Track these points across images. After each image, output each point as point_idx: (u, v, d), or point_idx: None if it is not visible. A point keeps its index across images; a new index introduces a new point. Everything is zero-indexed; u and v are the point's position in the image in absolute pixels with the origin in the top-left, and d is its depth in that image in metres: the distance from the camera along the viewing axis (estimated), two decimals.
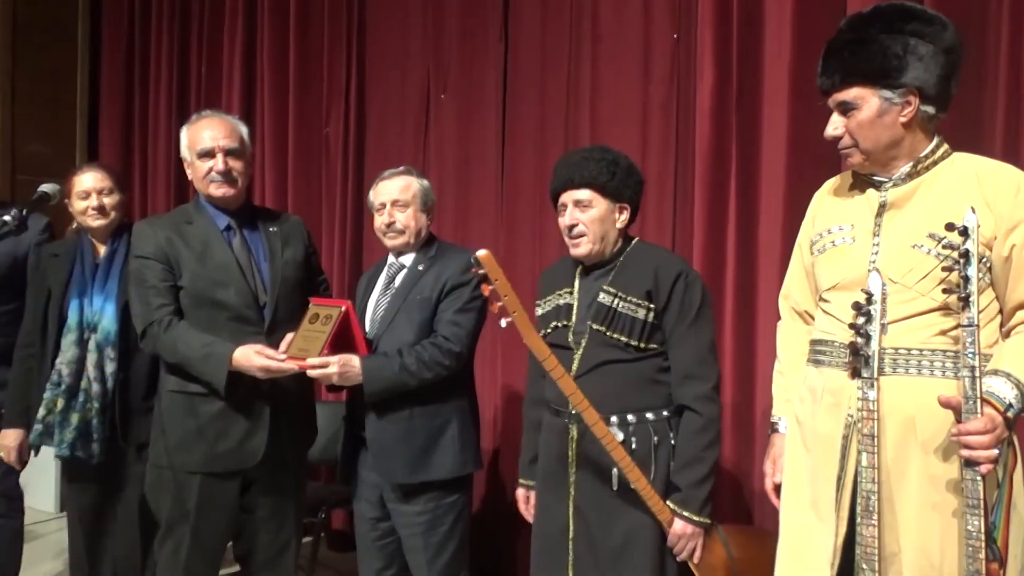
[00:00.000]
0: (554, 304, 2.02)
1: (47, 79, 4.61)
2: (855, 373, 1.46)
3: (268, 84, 3.90)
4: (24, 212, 2.07)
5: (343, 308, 2.12)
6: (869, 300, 1.42)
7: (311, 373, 2.08)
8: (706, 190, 2.72)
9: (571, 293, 2.00)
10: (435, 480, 2.18)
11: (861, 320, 1.43)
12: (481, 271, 1.69)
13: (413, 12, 3.52)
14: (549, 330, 2.00)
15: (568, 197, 1.95)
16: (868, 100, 1.52)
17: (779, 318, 2.51)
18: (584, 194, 1.93)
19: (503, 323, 1.71)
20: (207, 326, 2.15)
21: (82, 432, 2.38)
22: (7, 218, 2.03)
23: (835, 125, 1.58)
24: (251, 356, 2.07)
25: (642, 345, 1.88)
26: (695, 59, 2.77)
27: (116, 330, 2.40)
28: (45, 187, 2.21)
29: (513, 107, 3.24)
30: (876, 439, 1.42)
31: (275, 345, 2.14)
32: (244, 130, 2.29)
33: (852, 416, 1.51)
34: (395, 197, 2.27)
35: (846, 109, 1.55)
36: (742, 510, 2.67)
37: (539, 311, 2.07)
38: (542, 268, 3.14)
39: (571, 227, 1.94)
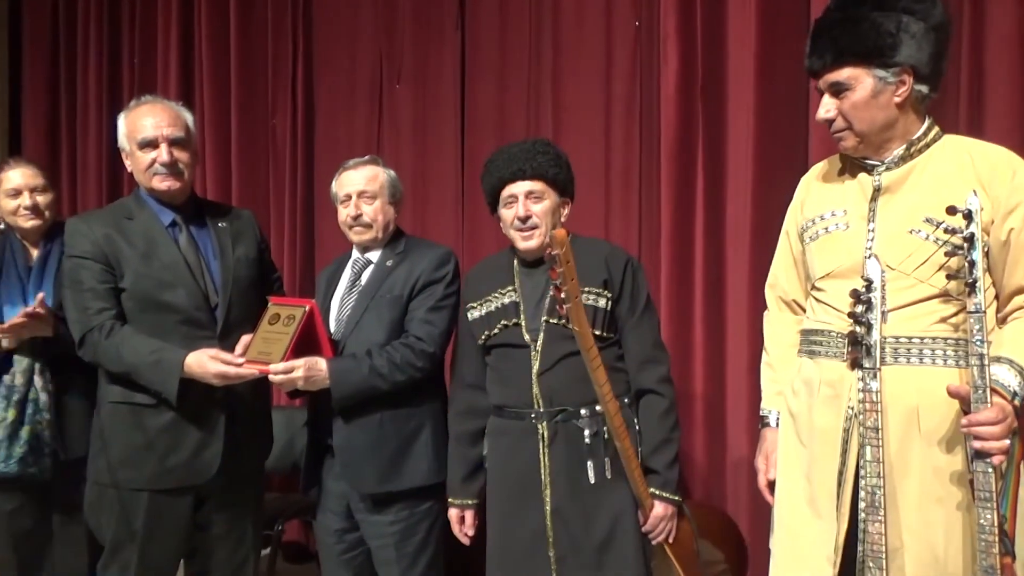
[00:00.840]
0: (497, 304, 1.95)
1: None
2: (855, 364, 1.41)
3: (207, 72, 3.68)
4: None
5: (307, 308, 1.99)
6: (869, 287, 1.38)
7: (274, 379, 1.94)
8: (672, 180, 2.67)
9: (514, 290, 1.94)
10: (408, 488, 2.07)
11: (860, 308, 1.37)
12: (555, 251, 1.57)
13: None
14: (496, 330, 1.92)
15: (519, 188, 1.90)
16: (862, 80, 1.47)
17: (750, 309, 2.54)
18: (536, 186, 1.90)
19: (564, 309, 1.62)
20: (154, 331, 1.98)
21: (33, 447, 2.23)
22: None
23: (827, 107, 1.52)
24: (205, 362, 1.91)
25: (604, 334, 1.85)
26: (658, 45, 2.72)
27: None
28: None
29: (472, 97, 3.14)
30: (880, 432, 1.37)
31: (230, 349, 1.98)
32: (189, 117, 2.12)
33: (853, 408, 1.46)
34: (361, 188, 2.14)
35: (838, 90, 1.49)
36: (716, 504, 2.63)
37: (476, 313, 1.97)
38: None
39: (525, 218, 1.88)
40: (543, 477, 1.86)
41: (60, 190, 4.22)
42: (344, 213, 2.16)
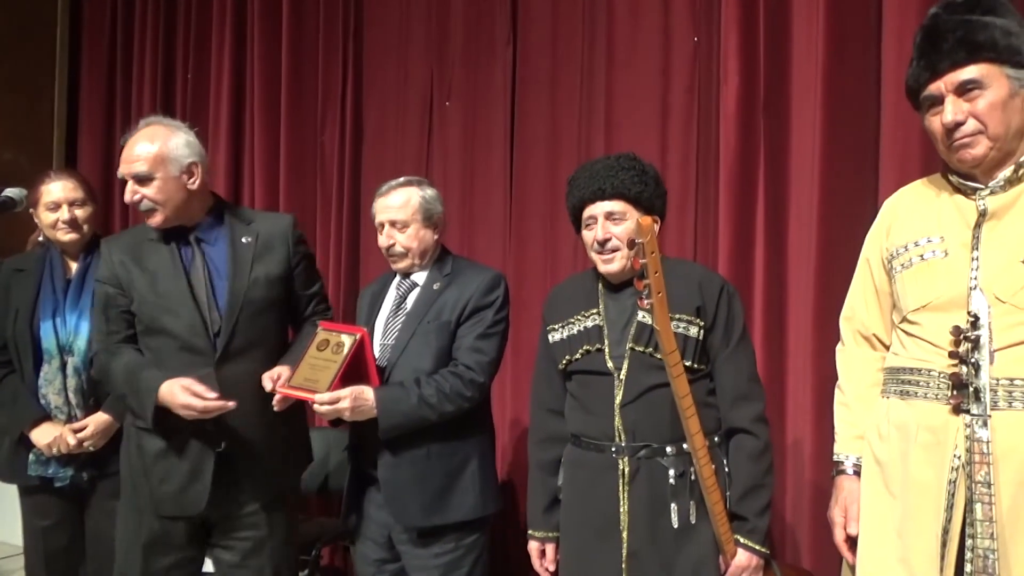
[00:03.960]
0: (579, 327, 1.81)
1: (23, 87, 4.38)
2: (959, 408, 1.26)
3: (259, 89, 3.68)
4: None
5: (358, 336, 1.91)
6: (975, 324, 1.23)
7: (319, 409, 1.86)
8: (731, 202, 2.54)
9: (598, 314, 1.80)
10: (453, 522, 1.98)
11: (966, 347, 1.23)
12: (639, 240, 1.47)
13: (415, 12, 3.33)
14: (579, 355, 1.79)
15: (598, 209, 1.76)
16: (997, 78, 1.34)
17: (815, 341, 2.38)
18: (617, 205, 1.75)
19: (646, 303, 1.51)
20: (157, 356, 1.96)
21: (74, 457, 2.25)
22: None
23: (956, 109, 1.37)
24: (175, 392, 1.85)
25: (695, 366, 1.71)
26: (718, 62, 2.61)
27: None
28: (10, 192, 1.99)
29: (522, 114, 3.06)
30: (991, 487, 1.22)
31: (233, 377, 1.92)
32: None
33: (959, 459, 1.31)
34: (392, 217, 2.06)
35: (969, 89, 1.36)
36: (772, 546, 2.47)
37: (557, 336, 1.86)
38: (555, 283, 2.95)
39: (604, 241, 1.75)
40: (621, 517, 1.72)
41: (113, 205, 4.28)
42: (380, 241, 2.11)
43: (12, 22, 4.33)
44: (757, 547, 1.69)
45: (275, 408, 1.91)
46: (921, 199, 1.51)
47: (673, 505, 1.68)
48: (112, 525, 2.12)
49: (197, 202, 2.02)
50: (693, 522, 1.69)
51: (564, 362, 1.83)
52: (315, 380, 1.88)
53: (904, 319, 1.47)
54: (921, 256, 1.44)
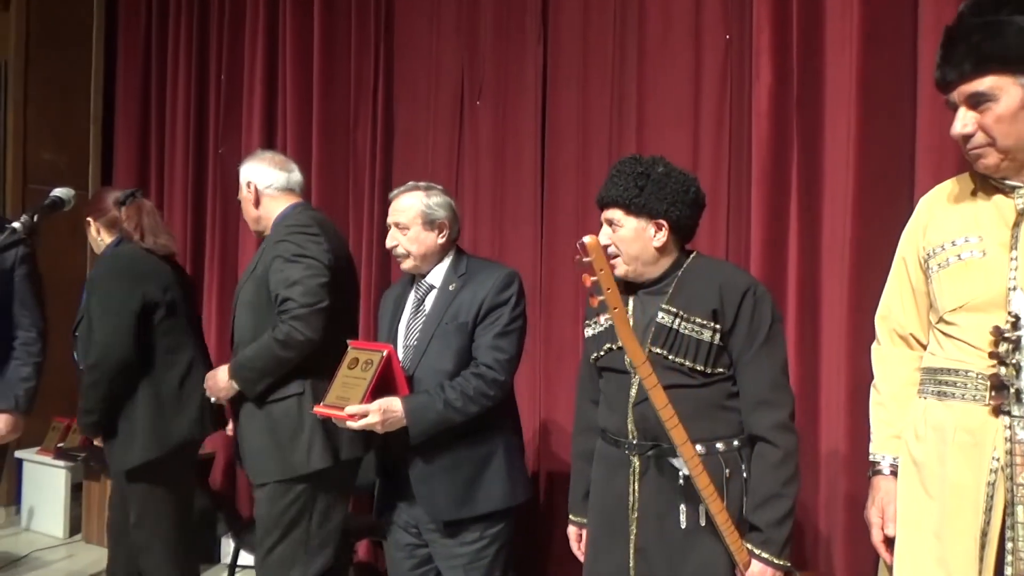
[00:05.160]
0: (606, 325, 1.82)
1: (60, 86, 4.47)
2: (998, 410, 1.25)
3: (291, 87, 3.73)
4: (35, 218, 1.90)
5: (385, 353, 1.99)
6: (1016, 325, 1.22)
7: (351, 424, 1.95)
8: (764, 200, 2.53)
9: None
10: (482, 513, 2.04)
11: (1005, 348, 1.23)
12: (586, 259, 1.49)
13: (445, 11, 3.35)
14: (602, 353, 1.81)
15: (604, 215, 1.79)
16: (1007, 90, 1.32)
17: (849, 340, 2.37)
18: (613, 213, 1.75)
19: (603, 319, 1.53)
20: None
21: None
22: (16, 225, 1.87)
23: (964, 122, 1.37)
24: None
25: (708, 370, 1.69)
26: (750, 60, 2.59)
27: None
28: (59, 192, 2.03)
29: (553, 112, 3.07)
30: None
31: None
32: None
33: (999, 460, 1.30)
34: (396, 219, 2.14)
35: (979, 102, 1.35)
36: (804, 554, 2.46)
37: (589, 332, 1.88)
38: (582, 281, 2.96)
39: (606, 248, 1.75)
40: (631, 514, 1.74)
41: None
42: (386, 242, 2.19)
43: (49, 24, 4.42)
44: (772, 559, 1.63)
45: None
46: (958, 197, 1.49)
47: (682, 506, 1.68)
48: None
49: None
50: (703, 524, 1.67)
51: (593, 358, 1.85)
52: (346, 397, 1.98)
53: (941, 319, 1.46)
54: (959, 256, 1.42)
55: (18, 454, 4.17)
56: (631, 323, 1.75)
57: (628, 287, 1.82)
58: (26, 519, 4.10)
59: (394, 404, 1.97)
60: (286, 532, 2.16)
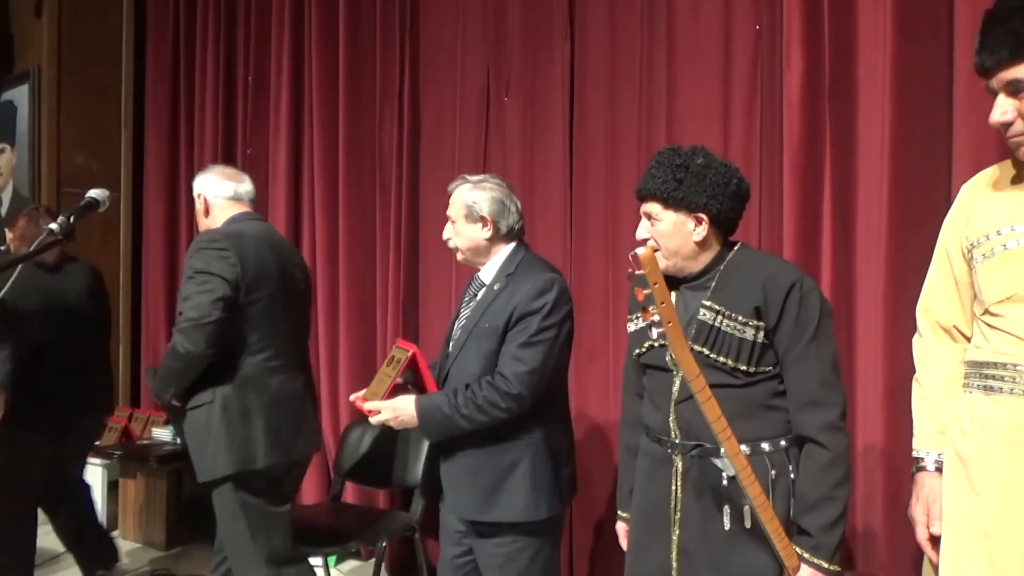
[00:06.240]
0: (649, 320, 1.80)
1: (91, 91, 4.55)
2: None
3: (317, 89, 3.75)
4: (71, 219, 1.92)
5: (410, 353, 2.04)
6: None
7: (372, 419, 2.02)
8: (796, 192, 2.49)
9: None
10: (505, 522, 2.02)
11: None
12: (639, 272, 1.43)
13: (471, 9, 3.33)
14: (644, 349, 1.77)
15: (643, 209, 1.74)
16: None
17: (885, 333, 2.32)
18: (651, 207, 1.70)
19: (654, 333, 1.47)
20: None
21: None
22: (53, 226, 1.89)
23: (1003, 109, 1.33)
24: None
25: (751, 369, 1.63)
26: (781, 50, 2.55)
27: None
28: (93, 193, 2.05)
29: (581, 108, 3.04)
30: None
31: None
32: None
33: None
34: (448, 212, 2.16)
35: (1018, 88, 1.31)
36: (842, 552, 2.41)
37: (631, 327, 1.84)
38: (615, 276, 2.94)
39: (643, 241, 1.72)
40: (673, 514, 1.69)
41: (179, 203, 4.41)
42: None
43: (80, 32, 4.50)
44: (823, 564, 1.58)
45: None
46: (1001, 184, 1.45)
47: (726, 507, 1.63)
48: None
49: None
50: (748, 527, 1.62)
51: (635, 354, 1.81)
52: (375, 392, 2.04)
53: (987, 311, 1.41)
54: (1004, 245, 1.38)
55: None
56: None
57: (670, 281, 1.75)
58: None
59: (406, 403, 2.00)
60: (226, 534, 2.32)
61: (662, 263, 1.70)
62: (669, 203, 1.68)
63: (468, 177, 2.17)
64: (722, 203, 1.68)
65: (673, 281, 1.75)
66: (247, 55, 4.14)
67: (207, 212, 2.42)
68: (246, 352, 2.22)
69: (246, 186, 2.45)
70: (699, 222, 1.68)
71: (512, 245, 2.13)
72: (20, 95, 4.53)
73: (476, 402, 1.94)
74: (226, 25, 4.24)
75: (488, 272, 2.12)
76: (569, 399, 2.29)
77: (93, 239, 4.00)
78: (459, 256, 2.16)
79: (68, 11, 4.44)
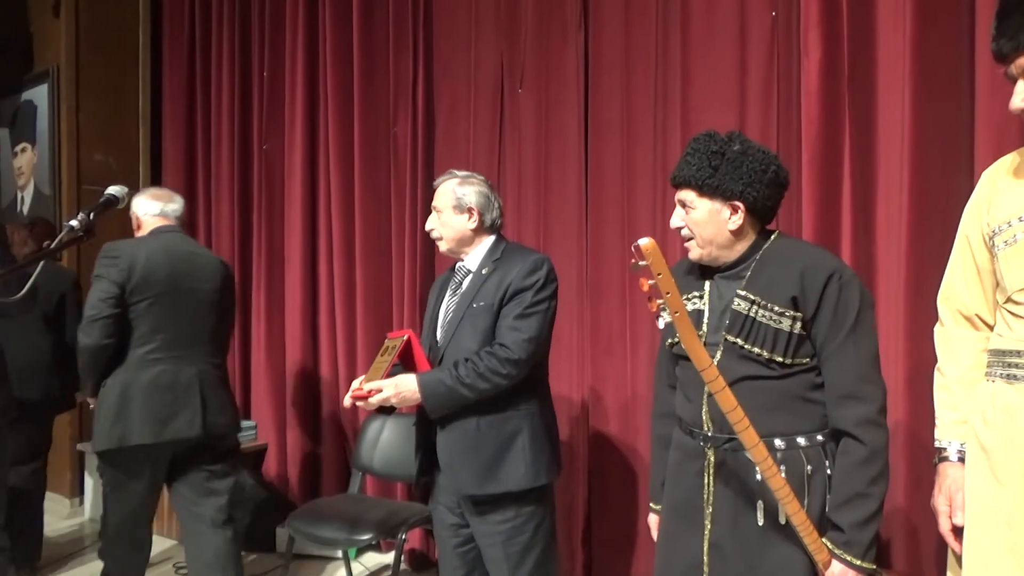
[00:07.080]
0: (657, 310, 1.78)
1: (109, 90, 4.59)
2: None
3: (332, 83, 3.76)
4: (91, 216, 1.94)
5: (405, 337, 2.11)
6: None
7: (371, 400, 2.03)
8: (815, 181, 2.46)
9: (700, 297, 1.72)
10: (507, 492, 2.08)
11: None
12: (643, 262, 1.42)
13: (484, 1, 3.32)
14: (676, 339, 1.72)
15: (678, 196, 1.70)
16: None
17: (906, 322, 2.29)
18: (685, 195, 1.66)
19: (661, 323, 1.46)
20: None
21: None
22: (74, 223, 1.91)
23: (1022, 95, 1.31)
24: None
25: (788, 360, 1.59)
26: (798, 36, 2.52)
27: None
28: (113, 190, 2.08)
29: (596, 98, 3.02)
30: None
31: None
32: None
33: None
34: (433, 203, 2.25)
35: None
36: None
37: (666, 317, 1.81)
38: (629, 270, 2.93)
39: (679, 230, 1.70)
40: (706, 507, 1.67)
41: (196, 199, 4.44)
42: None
43: (97, 30, 4.53)
44: (856, 561, 1.53)
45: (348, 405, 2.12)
46: (1021, 171, 1.42)
47: (759, 502, 1.60)
48: None
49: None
50: (783, 523, 1.58)
51: (669, 344, 1.79)
52: (371, 380, 2.08)
53: (1009, 299, 1.39)
54: None
55: (80, 446, 4.31)
56: (707, 308, 1.69)
57: (705, 271, 1.75)
58: (89, 510, 4.24)
59: (408, 379, 2.04)
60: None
61: (696, 252, 1.68)
62: (704, 190, 1.64)
63: (456, 172, 2.27)
64: (759, 191, 1.63)
65: (707, 271, 1.73)
66: (262, 51, 4.16)
67: (139, 227, 2.79)
68: (132, 345, 2.57)
69: (173, 205, 2.81)
70: (735, 210, 1.64)
71: (494, 236, 2.25)
72: (40, 94, 4.58)
73: (478, 370, 2.02)
74: (241, 22, 4.26)
75: (473, 260, 2.22)
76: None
77: (112, 235, 4.02)
78: (442, 246, 2.24)
79: (85, 10, 4.48)
